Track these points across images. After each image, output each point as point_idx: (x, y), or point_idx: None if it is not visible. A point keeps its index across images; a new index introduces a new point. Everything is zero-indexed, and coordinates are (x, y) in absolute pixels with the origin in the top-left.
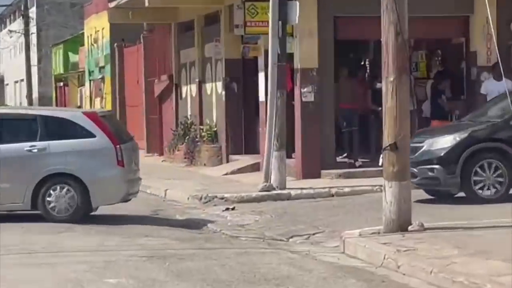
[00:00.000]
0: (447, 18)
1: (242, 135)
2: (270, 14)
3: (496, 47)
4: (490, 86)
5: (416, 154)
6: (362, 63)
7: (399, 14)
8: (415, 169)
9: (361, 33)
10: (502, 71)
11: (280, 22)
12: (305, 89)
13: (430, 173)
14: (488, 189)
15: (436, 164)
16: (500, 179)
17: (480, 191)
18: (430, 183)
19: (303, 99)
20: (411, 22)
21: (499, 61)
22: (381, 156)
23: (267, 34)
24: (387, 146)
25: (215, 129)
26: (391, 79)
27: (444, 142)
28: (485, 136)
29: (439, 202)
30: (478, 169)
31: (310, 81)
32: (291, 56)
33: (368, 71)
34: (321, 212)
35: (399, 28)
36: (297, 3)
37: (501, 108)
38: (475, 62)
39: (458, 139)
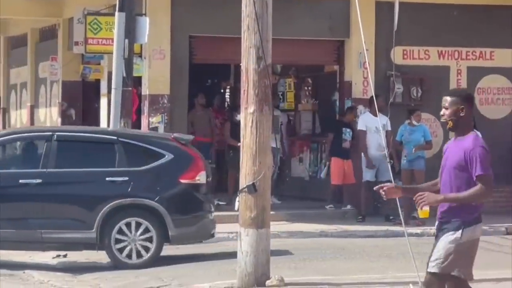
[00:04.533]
0: (319, 42)
1: None
2: (115, 31)
3: (372, 78)
4: (369, 122)
5: None
6: (222, 90)
7: (262, 35)
8: None
9: (221, 56)
10: (376, 106)
11: (126, 40)
12: (154, 119)
13: None
14: None
15: None
16: None
17: None
18: None
19: None
20: (277, 45)
21: (373, 94)
22: (237, 199)
23: (112, 53)
24: (243, 188)
25: None
26: (251, 110)
27: None
28: None
29: (305, 253)
30: None
31: (160, 109)
32: (139, 80)
33: (227, 100)
34: (167, 262)
35: (261, 51)
36: (147, 19)
37: None
38: (350, 94)
39: None
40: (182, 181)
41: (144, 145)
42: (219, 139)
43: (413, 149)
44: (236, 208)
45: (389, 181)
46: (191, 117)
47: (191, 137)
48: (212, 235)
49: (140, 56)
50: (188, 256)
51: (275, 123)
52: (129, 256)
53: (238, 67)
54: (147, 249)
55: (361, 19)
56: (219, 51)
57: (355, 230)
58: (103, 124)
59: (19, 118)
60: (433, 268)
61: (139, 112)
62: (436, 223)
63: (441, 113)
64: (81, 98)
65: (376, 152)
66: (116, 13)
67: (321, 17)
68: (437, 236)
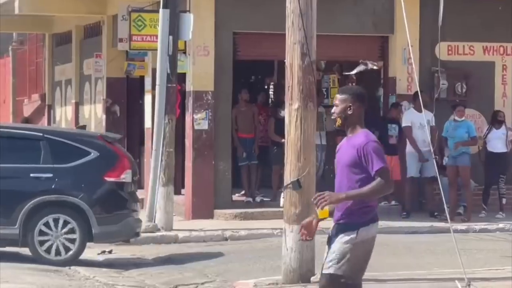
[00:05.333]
0: (364, 38)
1: None
2: (159, 28)
3: (417, 74)
4: (413, 118)
5: None
6: (265, 86)
7: (306, 32)
8: None
9: (264, 53)
10: (421, 102)
11: (170, 37)
12: (198, 115)
13: None
14: None
15: None
16: None
17: None
18: None
19: (196, 127)
20: (321, 41)
21: (418, 90)
22: (282, 195)
23: (156, 50)
24: (288, 184)
25: None
26: (295, 106)
27: None
28: None
29: None
30: None
31: (204, 106)
32: (182, 76)
33: (271, 96)
34: (212, 258)
35: (305, 48)
36: (191, 16)
37: None
38: (394, 90)
39: None
40: (107, 179)
41: (70, 142)
42: (262, 135)
43: (454, 146)
44: (281, 204)
45: (434, 178)
46: (235, 113)
47: (118, 136)
48: (137, 234)
49: (184, 52)
50: (232, 252)
51: (319, 120)
52: (51, 252)
53: (281, 64)
54: (70, 246)
55: (406, 15)
56: (263, 47)
57: (400, 226)
58: (147, 120)
59: (64, 115)
60: (328, 269)
61: (181, 108)
62: (332, 225)
63: (332, 110)
64: (126, 95)
65: (421, 148)
66: (160, 10)
67: (365, 13)
68: (330, 240)
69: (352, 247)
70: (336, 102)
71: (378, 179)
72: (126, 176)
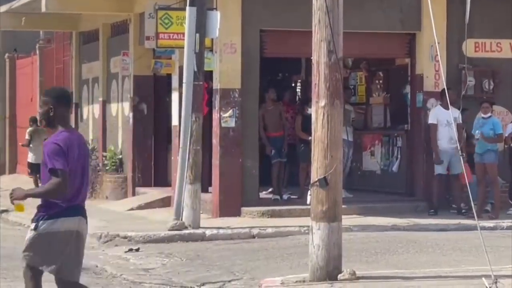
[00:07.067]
0: (391, 35)
1: (151, 165)
2: (186, 25)
3: (444, 71)
4: (440, 116)
5: None
6: (292, 84)
7: (333, 29)
8: None
9: (292, 50)
10: (448, 99)
11: (197, 34)
12: (225, 113)
13: None
14: None
15: None
16: None
17: None
18: None
19: (223, 124)
20: (347, 38)
21: (445, 87)
22: (309, 193)
23: (183, 48)
24: (315, 182)
25: (120, 156)
26: (322, 104)
27: None
28: None
29: (377, 247)
30: None
31: (231, 103)
32: (210, 74)
33: (298, 93)
34: (239, 256)
35: (332, 45)
36: (218, 13)
37: None
38: (421, 87)
39: None
40: None
41: None
42: (290, 133)
43: (475, 137)
44: (307, 202)
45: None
46: (262, 112)
47: None
48: None
49: (211, 50)
50: (259, 249)
51: (347, 117)
52: None
53: (309, 61)
54: None
55: (433, 12)
56: (290, 44)
57: (427, 224)
58: (174, 118)
59: (91, 113)
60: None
61: (208, 105)
62: None
63: (38, 111)
64: (153, 93)
65: (448, 145)
66: (187, 8)
67: (392, 10)
68: None
69: (33, 237)
70: (40, 103)
71: (52, 179)
72: None
